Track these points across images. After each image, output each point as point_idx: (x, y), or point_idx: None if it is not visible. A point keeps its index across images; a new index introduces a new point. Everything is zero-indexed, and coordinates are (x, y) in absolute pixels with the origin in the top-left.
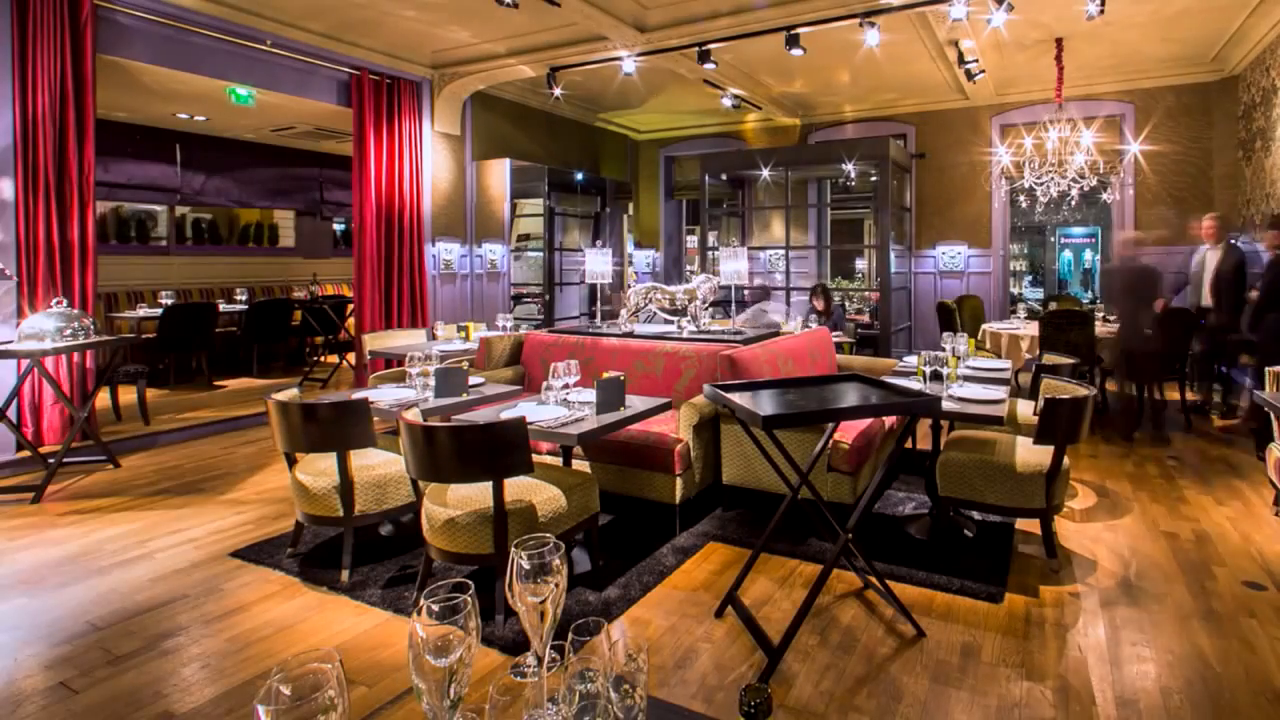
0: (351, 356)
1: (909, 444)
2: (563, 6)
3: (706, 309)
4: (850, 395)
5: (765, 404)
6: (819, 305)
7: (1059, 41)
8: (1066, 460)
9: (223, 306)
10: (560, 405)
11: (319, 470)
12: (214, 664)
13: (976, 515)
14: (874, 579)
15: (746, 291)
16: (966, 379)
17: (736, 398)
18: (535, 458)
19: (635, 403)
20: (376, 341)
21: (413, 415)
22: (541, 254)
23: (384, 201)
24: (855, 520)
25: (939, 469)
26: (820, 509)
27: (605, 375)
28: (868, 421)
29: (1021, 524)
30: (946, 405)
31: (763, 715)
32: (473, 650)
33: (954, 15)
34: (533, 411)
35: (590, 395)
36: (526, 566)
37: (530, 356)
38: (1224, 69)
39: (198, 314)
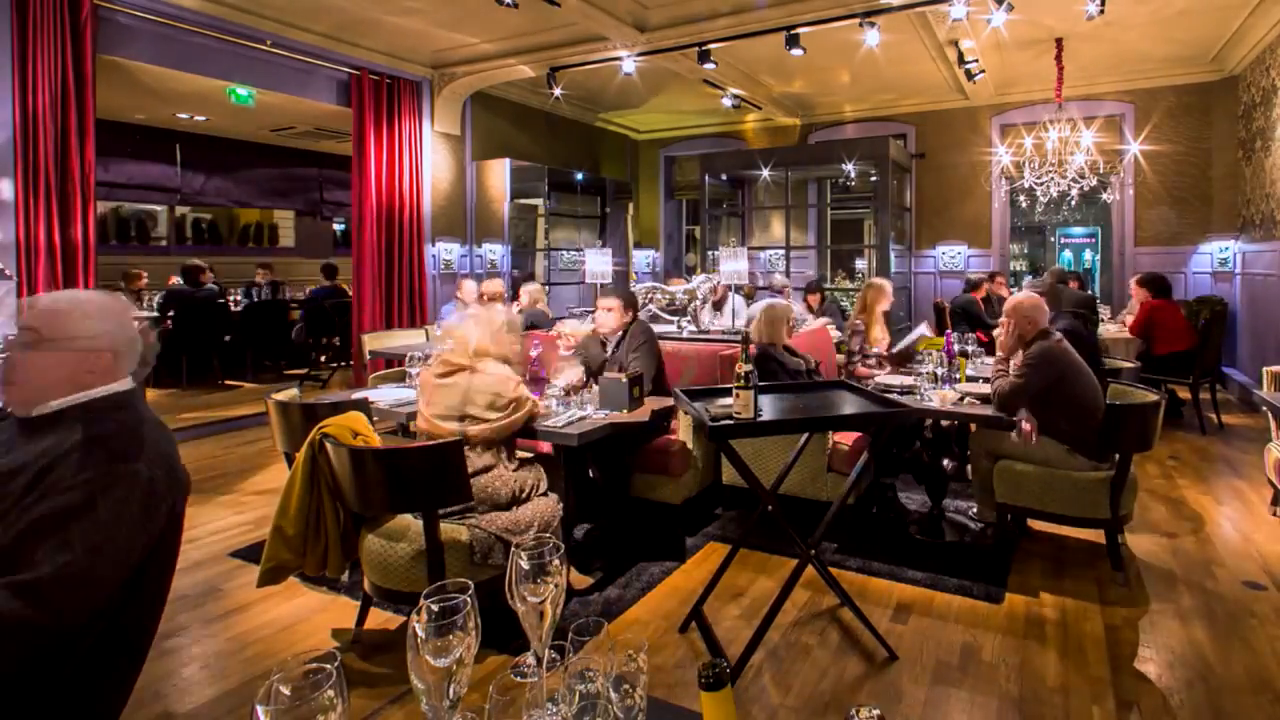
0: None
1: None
2: (563, 6)
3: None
4: (832, 404)
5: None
6: (813, 303)
7: (1059, 41)
8: (1134, 469)
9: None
10: (560, 405)
11: None
12: (214, 664)
13: (972, 513)
14: (865, 581)
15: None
16: (969, 378)
17: (699, 404)
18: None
19: None
20: (376, 341)
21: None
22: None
23: (384, 201)
24: (820, 536)
25: (996, 475)
26: (784, 524)
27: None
28: None
29: (1036, 525)
30: (947, 407)
31: (720, 685)
32: (473, 650)
33: (954, 15)
34: None
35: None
36: (526, 567)
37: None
38: (1224, 69)
39: (212, 312)
